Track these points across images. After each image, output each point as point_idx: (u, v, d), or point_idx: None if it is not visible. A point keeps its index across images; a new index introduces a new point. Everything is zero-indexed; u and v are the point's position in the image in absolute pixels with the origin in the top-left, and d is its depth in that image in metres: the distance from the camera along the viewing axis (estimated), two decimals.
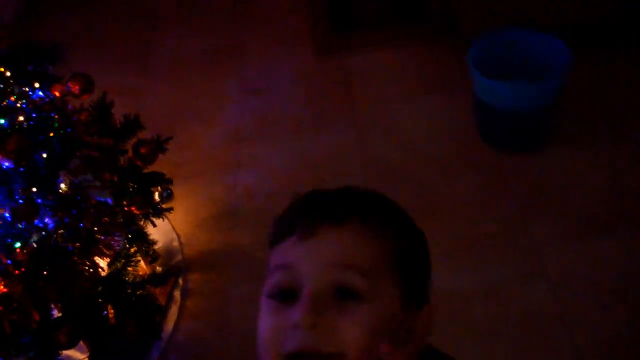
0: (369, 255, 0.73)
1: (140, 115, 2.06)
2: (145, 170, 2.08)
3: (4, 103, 1.67)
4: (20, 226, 1.65)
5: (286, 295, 0.72)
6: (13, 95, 1.76)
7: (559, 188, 2.47)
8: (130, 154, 2.02)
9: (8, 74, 1.77)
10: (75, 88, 1.95)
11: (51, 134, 1.78)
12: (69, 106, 1.91)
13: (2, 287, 1.57)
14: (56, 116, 1.76)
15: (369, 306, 0.71)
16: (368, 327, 0.70)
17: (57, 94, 1.96)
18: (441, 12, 3.15)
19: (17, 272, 1.61)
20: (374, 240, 0.74)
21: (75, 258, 1.67)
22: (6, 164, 1.55)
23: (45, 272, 1.63)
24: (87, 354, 2.03)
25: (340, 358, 0.69)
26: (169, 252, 2.49)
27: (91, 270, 1.70)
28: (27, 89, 1.82)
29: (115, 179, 1.86)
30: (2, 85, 1.66)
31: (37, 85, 1.83)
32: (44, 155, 1.68)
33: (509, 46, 2.63)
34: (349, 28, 3.30)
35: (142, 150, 2.02)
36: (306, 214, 0.76)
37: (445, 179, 2.57)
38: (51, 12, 3.76)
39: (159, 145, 2.06)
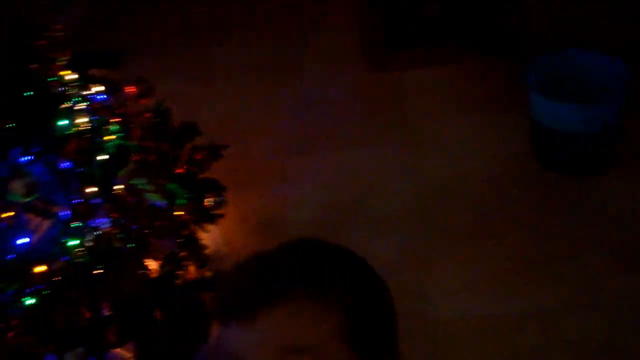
0: (317, 332, 0.66)
1: (196, 123, 2.10)
2: (199, 177, 2.12)
3: (66, 105, 1.72)
4: (76, 225, 1.69)
5: None
6: (75, 98, 1.81)
7: (617, 215, 2.40)
8: (185, 159, 2.05)
9: (71, 77, 1.83)
10: (135, 93, 2.00)
11: (109, 137, 1.82)
12: (128, 110, 1.96)
13: (57, 283, 1.61)
14: (115, 120, 1.81)
15: None
16: None
17: (117, 98, 2.02)
18: (498, 32, 3.12)
19: (70, 269, 1.65)
20: (324, 311, 0.67)
21: (128, 259, 1.70)
22: (65, 164, 1.60)
23: (97, 271, 1.66)
24: (134, 354, 2.06)
25: None
26: (218, 258, 2.51)
27: (142, 271, 1.73)
28: (88, 93, 1.88)
29: (170, 183, 1.89)
30: (65, 88, 1.71)
31: (98, 89, 1.89)
32: (102, 158, 1.72)
33: (568, 67, 2.59)
34: (404, 45, 3.31)
35: (197, 157, 2.05)
36: (245, 293, 0.68)
37: (497, 199, 2.53)
38: (115, 18, 3.86)
39: (214, 153, 2.10)
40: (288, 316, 0.66)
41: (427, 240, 2.42)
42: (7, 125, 1.49)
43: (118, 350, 2.01)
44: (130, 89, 1.96)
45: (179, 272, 2.03)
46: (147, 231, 1.79)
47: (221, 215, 2.26)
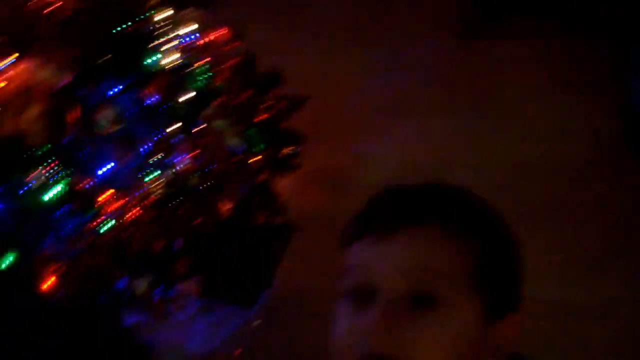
0: (449, 261, 0.69)
1: (282, 72, 2.11)
2: (279, 126, 2.14)
3: (157, 42, 1.76)
4: (155, 160, 1.75)
5: (362, 296, 0.70)
6: (166, 35, 1.85)
7: None
8: (267, 107, 2.07)
9: (165, 14, 1.86)
10: (225, 36, 2.02)
11: (197, 77, 1.85)
12: (217, 52, 1.98)
13: (134, 213, 1.67)
14: (203, 60, 1.83)
15: (446, 315, 0.68)
16: (442, 338, 0.67)
17: (206, 39, 2.05)
18: (605, 14, 2.98)
19: (147, 202, 1.71)
20: (455, 245, 0.70)
21: (202, 197, 1.74)
22: (152, 99, 1.64)
23: (172, 206, 1.72)
24: (200, 288, 2.13)
25: None
26: (289, 208, 2.54)
27: (214, 211, 1.78)
28: (180, 31, 1.91)
29: (249, 129, 1.92)
30: (158, 25, 1.74)
31: (189, 28, 1.92)
32: (187, 96, 1.75)
33: None
34: (501, 14, 3.20)
35: (279, 106, 2.07)
36: (385, 214, 0.73)
37: (577, 183, 2.45)
38: None
39: (296, 103, 2.11)
40: (423, 240, 0.69)
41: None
42: (102, 59, 1.53)
43: (185, 283, 2.08)
44: (221, 31, 1.98)
45: (250, 216, 2.08)
46: (222, 173, 1.83)
47: (297, 166, 2.28)
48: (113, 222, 1.71)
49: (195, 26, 1.89)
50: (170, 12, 1.81)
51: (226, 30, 1.99)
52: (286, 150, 2.25)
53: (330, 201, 2.55)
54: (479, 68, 2.99)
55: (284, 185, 2.47)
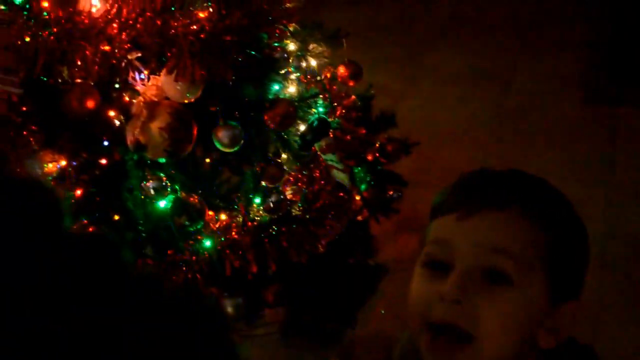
0: (524, 243, 0.74)
1: (394, 114, 2.13)
2: (385, 167, 2.14)
3: (283, 72, 1.80)
4: (263, 185, 1.78)
5: (439, 267, 0.76)
6: (291, 67, 1.90)
7: None
8: (376, 148, 2.08)
9: (292, 47, 1.91)
10: (345, 74, 2.05)
11: (313, 110, 1.89)
12: (335, 89, 2.02)
13: (234, 234, 1.70)
14: (323, 95, 1.87)
15: (516, 294, 0.72)
16: (508, 316, 0.72)
17: (327, 75, 2.09)
18: None
19: (249, 224, 1.74)
20: (531, 229, 0.75)
21: (302, 229, 1.76)
22: (269, 126, 1.68)
23: (272, 232, 1.74)
24: (284, 319, 2.14)
25: (472, 341, 0.71)
26: (381, 251, 2.52)
27: (312, 244, 1.79)
28: (303, 64, 1.96)
29: (357, 167, 1.93)
30: (285, 55, 1.79)
31: (313, 63, 1.96)
32: (303, 127, 1.78)
33: None
34: (627, 80, 3.09)
35: (389, 147, 2.07)
36: (470, 194, 0.78)
37: None
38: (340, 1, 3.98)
39: (405, 147, 2.11)
40: (502, 222, 0.75)
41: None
42: (228, 81, 1.58)
43: (271, 311, 2.09)
44: (342, 70, 2.02)
45: (343, 254, 2.07)
46: (325, 207, 1.84)
47: (397, 210, 2.27)
48: (213, 239, 1.74)
49: (320, 61, 1.93)
50: (298, 44, 1.86)
51: (346, 70, 2.03)
52: (389, 193, 2.25)
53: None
54: (600, 135, 2.89)
55: (379, 227, 2.46)
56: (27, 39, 1.43)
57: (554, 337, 0.75)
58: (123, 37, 1.45)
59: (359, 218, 2.17)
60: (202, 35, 1.38)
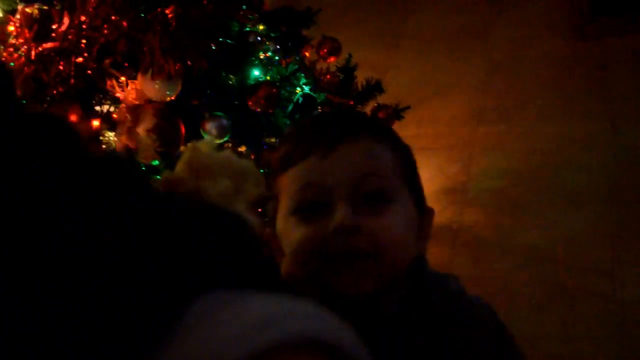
0: (386, 164, 0.79)
1: (381, 81, 2.11)
2: None
3: (260, 56, 1.79)
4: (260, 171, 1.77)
5: (313, 209, 0.77)
6: (268, 51, 1.89)
7: None
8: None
9: (266, 29, 1.90)
10: (324, 51, 2.05)
11: (297, 90, 1.88)
12: (317, 65, 2.02)
13: None
14: (304, 72, 1.86)
15: (397, 207, 0.77)
16: (400, 227, 0.77)
17: (306, 54, 2.08)
18: None
19: None
20: (385, 152, 0.79)
21: None
22: (257, 109, 1.67)
23: None
24: None
25: (377, 258, 0.75)
26: None
27: None
28: (279, 47, 1.95)
29: None
30: (259, 39, 1.78)
31: (290, 42, 1.95)
32: (289, 107, 1.78)
33: None
34: (612, 11, 3.06)
35: (380, 115, 2.06)
36: (321, 134, 0.80)
37: None
38: None
39: (396, 113, 2.09)
40: (362, 150, 0.79)
41: (619, 218, 2.26)
42: (205, 71, 1.58)
43: None
44: (319, 46, 2.02)
45: None
46: None
47: None
48: None
49: (292, 44, 1.93)
50: (269, 28, 1.85)
51: (324, 47, 2.02)
52: None
53: (442, 213, 2.50)
54: (591, 68, 2.87)
55: None
56: None
57: (423, 242, 0.83)
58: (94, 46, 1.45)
59: None
60: (170, 29, 1.37)
